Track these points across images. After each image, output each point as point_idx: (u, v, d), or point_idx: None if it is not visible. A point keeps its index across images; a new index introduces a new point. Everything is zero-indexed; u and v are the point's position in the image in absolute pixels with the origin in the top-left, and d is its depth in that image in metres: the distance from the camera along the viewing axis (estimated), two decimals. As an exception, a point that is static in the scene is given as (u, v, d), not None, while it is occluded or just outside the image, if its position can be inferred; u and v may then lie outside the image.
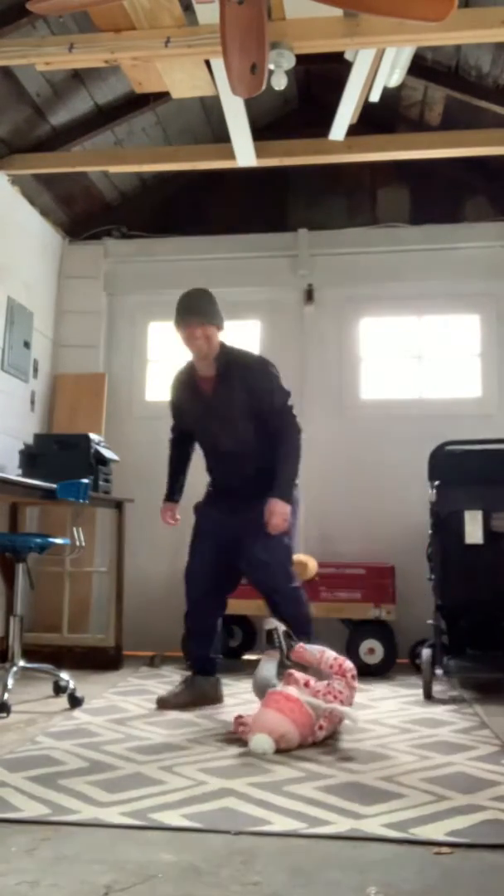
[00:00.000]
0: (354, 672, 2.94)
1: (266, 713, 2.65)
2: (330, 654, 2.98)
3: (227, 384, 3.39)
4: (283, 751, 2.55)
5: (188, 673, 3.46)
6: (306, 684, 2.79)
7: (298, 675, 2.88)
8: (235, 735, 2.74)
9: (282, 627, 3.21)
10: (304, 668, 3.04)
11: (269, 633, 3.27)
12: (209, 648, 3.45)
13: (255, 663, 3.39)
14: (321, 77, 5.00)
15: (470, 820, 1.93)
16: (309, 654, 3.01)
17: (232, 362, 3.42)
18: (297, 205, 5.41)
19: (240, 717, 2.76)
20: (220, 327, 3.43)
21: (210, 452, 3.53)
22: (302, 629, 3.24)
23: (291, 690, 2.72)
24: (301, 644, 3.04)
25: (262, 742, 2.55)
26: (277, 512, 3.26)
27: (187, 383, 3.53)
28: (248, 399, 3.36)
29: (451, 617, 3.80)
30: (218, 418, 3.40)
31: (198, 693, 3.35)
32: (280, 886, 1.54)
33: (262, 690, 2.90)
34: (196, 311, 3.38)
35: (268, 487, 3.30)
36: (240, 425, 3.38)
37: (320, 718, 2.67)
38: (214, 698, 3.38)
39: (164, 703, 3.27)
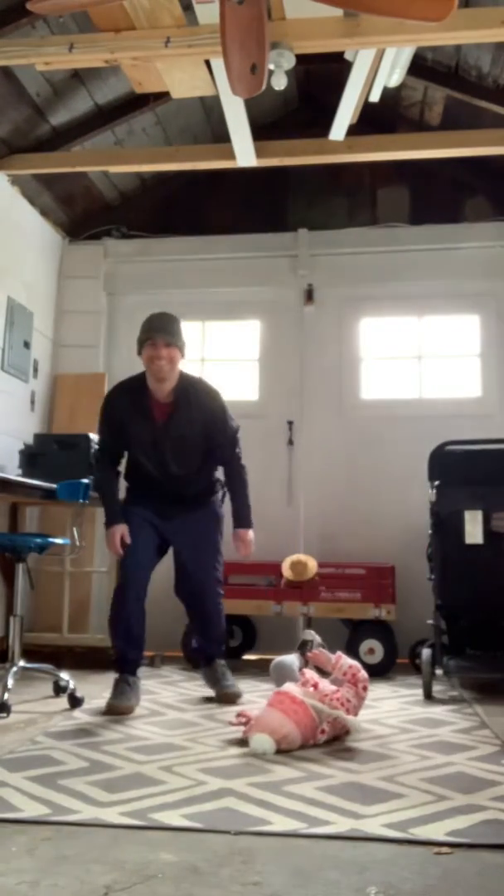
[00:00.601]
0: (367, 683, 2.92)
1: (270, 713, 2.65)
2: (346, 662, 2.98)
3: (183, 410, 3.38)
4: (284, 751, 2.55)
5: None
6: (314, 686, 2.79)
7: (308, 674, 2.87)
8: (235, 728, 2.74)
9: (318, 639, 3.51)
10: (321, 672, 3.04)
11: (304, 642, 3.46)
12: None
13: (255, 663, 3.41)
14: (321, 77, 5.00)
15: (470, 820, 1.93)
16: (325, 658, 3.02)
17: (189, 388, 3.42)
18: (297, 205, 5.42)
19: (243, 712, 2.76)
20: (183, 354, 3.43)
21: (150, 474, 3.46)
22: (221, 641, 3.57)
23: (297, 692, 2.72)
24: (319, 648, 3.07)
25: (262, 742, 2.55)
26: (249, 541, 3.47)
27: (136, 404, 3.42)
28: (204, 426, 3.41)
29: (451, 617, 3.80)
30: (171, 443, 3.38)
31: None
32: (280, 886, 1.54)
33: (279, 674, 2.98)
34: (165, 330, 3.35)
35: (198, 501, 3.49)
36: (193, 452, 3.42)
37: (323, 723, 2.67)
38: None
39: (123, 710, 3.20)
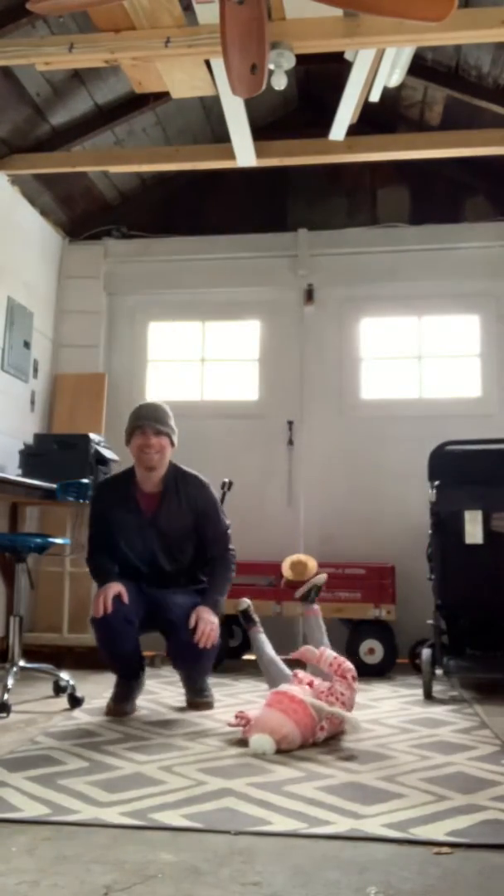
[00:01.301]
0: (354, 673, 2.94)
1: (269, 713, 2.64)
2: (329, 654, 2.98)
3: (173, 503, 3.27)
4: (284, 751, 2.55)
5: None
6: (310, 684, 2.79)
7: (303, 674, 2.88)
8: (235, 728, 2.74)
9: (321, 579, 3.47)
10: (303, 665, 3.04)
11: (310, 590, 3.48)
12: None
13: (255, 663, 3.40)
14: (321, 77, 5.00)
15: (470, 820, 1.92)
16: (309, 653, 3.01)
17: (179, 480, 3.32)
18: (297, 205, 5.42)
19: (241, 713, 2.76)
20: (174, 444, 3.32)
21: (138, 572, 3.29)
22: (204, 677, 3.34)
23: (296, 691, 2.72)
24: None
25: (262, 742, 2.55)
26: (205, 618, 3.10)
27: (123, 497, 3.30)
28: (194, 520, 3.29)
29: (451, 617, 3.80)
30: (160, 537, 3.26)
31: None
32: (280, 886, 1.54)
33: (271, 671, 3.07)
34: (156, 419, 3.26)
35: (185, 587, 3.31)
36: (182, 545, 3.30)
37: (322, 720, 2.67)
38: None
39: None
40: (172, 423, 3.33)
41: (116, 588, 3.11)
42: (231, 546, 3.37)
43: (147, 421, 3.25)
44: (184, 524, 3.28)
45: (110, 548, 3.32)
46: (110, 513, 3.31)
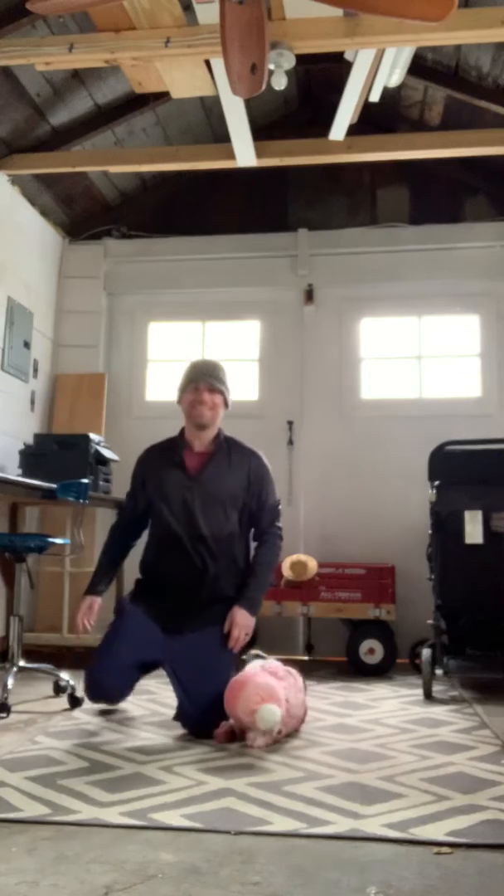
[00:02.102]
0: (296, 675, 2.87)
1: (267, 680, 2.61)
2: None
3: (222, 463, 3.12)
4: (282, 735, 2.55)
5: None
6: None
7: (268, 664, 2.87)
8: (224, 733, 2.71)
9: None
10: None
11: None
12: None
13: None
14: (321, 77, 5.00)
15: (470, 820, 1.92)
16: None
17: (232, 444, 3.19)
18: (297, 205, 5.42)
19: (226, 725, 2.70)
20: (227, 405, 3.20)
21: (173, 538, 3.04)
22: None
23: (280, 666, 2.75)
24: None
25: (273, 712, 2.51)
26: (241, 624, 2.91)
27: (169, 456, 3.17)
28: (245, 487, 3.11)
29: (451, 617, 3.79)
30: (203, 496, 3.05)
31: None
32: (280, 886, 1.54)
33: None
34: (214, 376, 3.14)
35: (221, 603, 2.97)
36: (227, 510, 3.06)
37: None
38: None
39: None
40: (228, 381, 3.20)
41: (90, 602, 3.07)
42: (279, 523, 3.20)
43: (202, 375, 3.12)
44: (231, 486, 3.08)
45: (133, 525, 3.22)
46: (154, 474, 3.14)
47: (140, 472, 3.25)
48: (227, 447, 3.17)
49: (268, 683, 2.61)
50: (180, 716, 2.88)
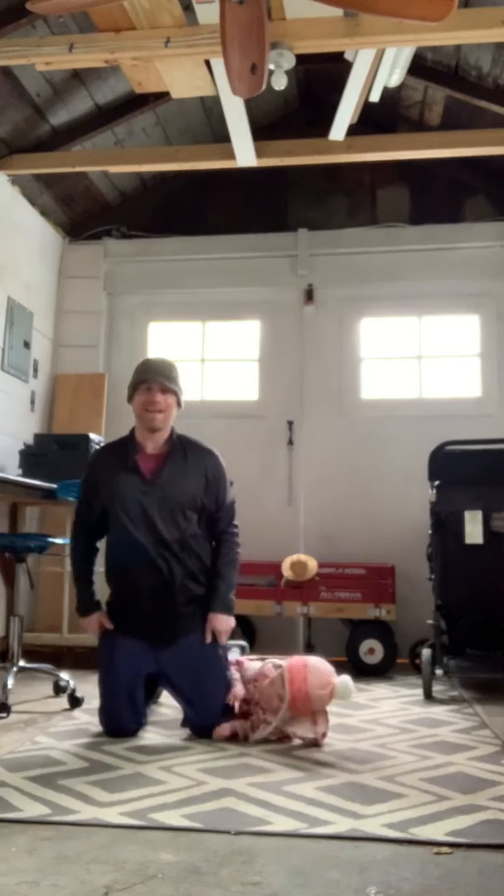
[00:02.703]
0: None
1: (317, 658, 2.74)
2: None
3: (178, 464, 2.97)
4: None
5: None
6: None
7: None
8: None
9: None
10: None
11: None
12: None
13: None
14: (321, 77, 5.00)
15: (470, 820, 1.92)
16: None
17: (186, 443, 3.03)
18: (297, 205, 5.42)
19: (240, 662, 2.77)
20: (180, 405, 3.03)
21: (136, 546, 2.89)
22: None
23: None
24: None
25: (347, 685, 2.65)
26: (221, 630, 2.88)
27: (122, 460, 2.98)
28: (203, 487, 2.98)
29: (451, 617, 3.80)
30: (161, 500, 2.91)
31: None
32: (280, 886, 1.54)
33: None
34: (166, 375, 2.97)
35: (195, 604, 2.90)
36: (186, 512, 2.93)
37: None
38: None
39: None
40: (180, 381, 3.04)
41: (97, 617, 2.95)
42: (236, 522, 3.10)
43: (154, 375, 2.95)
44: (189, 487, 2.95)
45: (94, 530, 3.07)
46: (107, 479, 2.98)
47: (92, 476, 3.06)
48: (181, 447, 3.02)
49: (322, 661, 2.72)
50: (187, 723, 2.86)
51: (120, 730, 2.79)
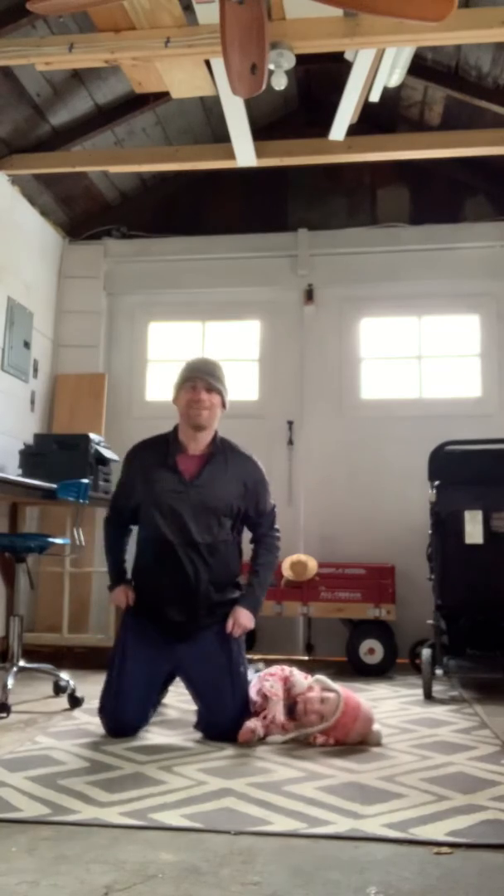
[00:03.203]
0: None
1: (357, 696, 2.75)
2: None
3: (218, 468, 2.97)
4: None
5: None
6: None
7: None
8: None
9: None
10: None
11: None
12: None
13: (254, 663, 3.38)
14: (321, 77, 5.00)
15: (470, 820, 1.92)
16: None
17: (228, 448, 3.04)
18: (297, 205, 5.42)
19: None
20: (225, 405, 3.05)
21: (165, 545, 2.89)
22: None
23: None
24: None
25: (381, 736, 2.71)
26: (242, 624, 2.87)
27: (161, 456, 2.99)
28: (241, 494, 2.98)
29: (451, 617, 3.80)
30: (195, 502, 2.90)
31: None
32: (280, 886, 1.54)
33: None
34: (213, 374, 2.99)
35: (218, 614, 2.88)
36: (220, 518, 2.92)
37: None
38: None
39: None
40: (226, 381, 3.05)
41: (124, 590, 2.97)
42: (277, 526, 3.11)
43: (200, 374, 2.96)
44: (227, 493, 2.94)
45: (128, 518, 3.08)
46: (144, 473, 2.97)
47: (129, 471, 3.07)
48: (223, 451, 3.02)
49: (369, 707, 2.75)
50: (202, 724, 2.81)
51: (120, 730, 2.78)
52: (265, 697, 2.77)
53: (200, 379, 2.97)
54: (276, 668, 2.93)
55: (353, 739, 2.66)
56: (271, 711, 2.72)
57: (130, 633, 2.91)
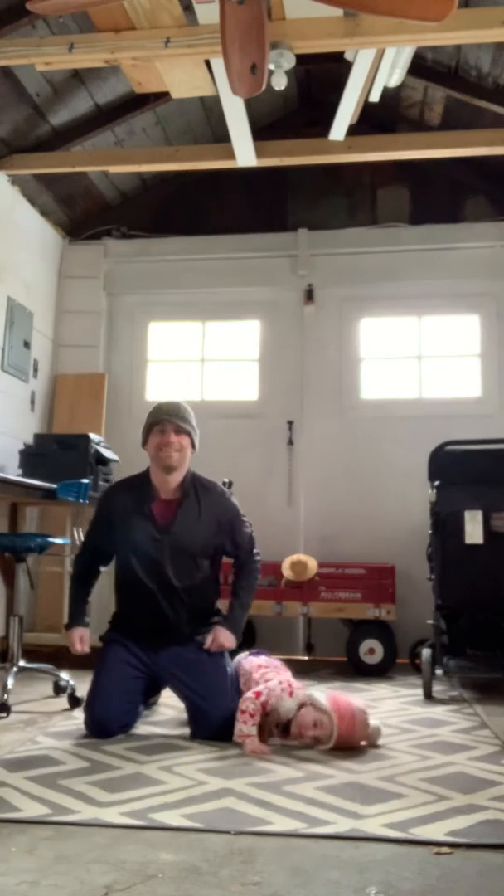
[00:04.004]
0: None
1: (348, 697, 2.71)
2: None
3: (191, 511, 2.97)
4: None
5: None
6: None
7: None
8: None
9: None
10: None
11: None
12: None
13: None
14: (321, 77, 5.00)
15: (470, 820, 1.92)
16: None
17: (199, 487, 3.02)
18: (297, 205, 5.42)
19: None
20: (195, 446, 3.04)
21: (145, 591, 2.93)
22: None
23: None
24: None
25: (380, 732, 2.68)
26: (220, 642, 2.89)
27: (137, 502, 2.98)
28: (216, 531, 3.00)
29: (451, 617, 3.80)
30: (174, 550, 2.92)
31: None
32: (280, 886, 1.54)
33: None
34: (182, 417, 2.99)
35: (198, 631, 2.93)
36: (198, 559, 2.96)
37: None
38: None
39: None
40: (194, 422, 3.05)
41: (79, 633, 2.99)
42: (256, 550, 3.13)
43: (167, 416, 2.97)
44: (203, 536, 2.97)
45: (100, 558, 3.10)
46: (119, 519, 2.99)
47: (105, 512, 3.06)
48: (194, 491, 3.01)
49: (362, 707, 2.69)
50: (192, 725, 2.81)
51: (103, 730, 2.77)
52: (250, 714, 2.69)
53: (169, 422, 2.97)
54: (263, 660, 2.94)
55: (356, 744, 2.65)
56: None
57: (112, 643, 2.96)
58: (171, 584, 2.92)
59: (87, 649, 3.00)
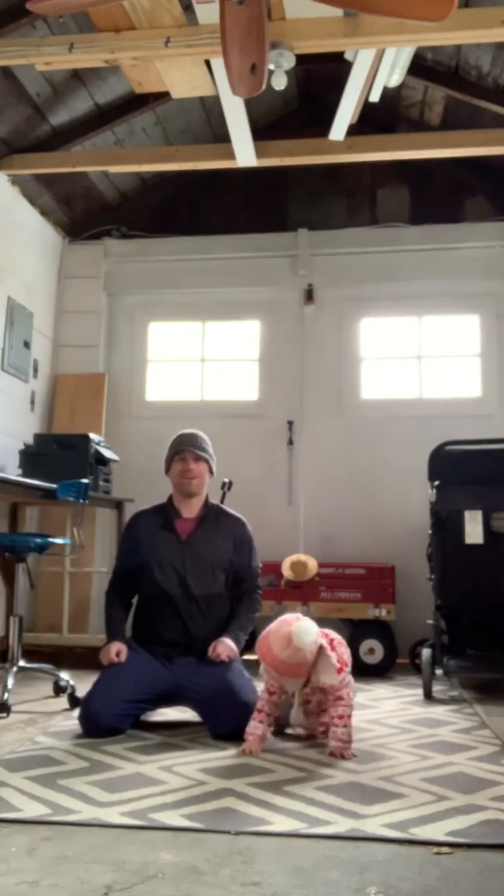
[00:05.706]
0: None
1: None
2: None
3: (210, 526, 3.23)
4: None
5: None
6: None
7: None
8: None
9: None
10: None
11: None
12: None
13: (255, 663, 3.38)
14: (321, 77, 5.00)
15: (470, 820, 1.92)
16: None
17: (219, 511, 3.31)
18: (297, 205, 5.42)
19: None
20: (212, 472, 3.30)
21: (165, 598, 3.10)
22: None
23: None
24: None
25: (307, 629, 2.66)
26: (222, 651, 2.98)
27: (160, 522, 3.24)
28: (232, 549, 3.21)
29: (451, 617, 3.80)
30: (194, 558, 3.15)
31: None
32: (280, 886, 1.54)
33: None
34: (201, 446, 3.25)
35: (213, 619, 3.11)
36: (215, 571, 3.16)
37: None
38: None
39: None
40: (211, 449, 3.31)
41: (117, 646, 3.02)
42: (259, 584, 3.33)
43: (187, 447, 3.23)
44: (220, 548, 3.20)
45: (129, 589, 3.23)
46: (145, 536, 3.22)
47: (131, 536, 3.29)
48: (214, 513, 3.29)
49: (282, 620, 2.71)
50: (209, 723, 2.85)
51: (94, 724, 2.78)
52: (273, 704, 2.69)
53: (189, 451, 3.23)
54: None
55: (296, 656, 2.60)
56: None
57: (130, 651, 3.03)
58: (190, 592, 3.11)
59: (123, 659, 3.00)
